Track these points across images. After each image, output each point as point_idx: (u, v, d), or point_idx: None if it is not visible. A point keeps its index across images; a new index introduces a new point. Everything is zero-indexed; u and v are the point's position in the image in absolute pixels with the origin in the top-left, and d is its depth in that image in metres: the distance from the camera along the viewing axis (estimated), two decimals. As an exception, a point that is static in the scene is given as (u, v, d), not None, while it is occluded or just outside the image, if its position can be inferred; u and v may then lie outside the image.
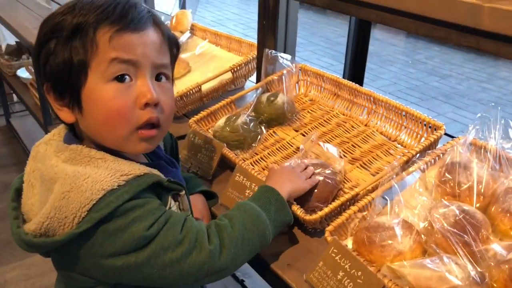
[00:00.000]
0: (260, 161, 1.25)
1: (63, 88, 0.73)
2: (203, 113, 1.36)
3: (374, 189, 1.02)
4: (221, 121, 1.30)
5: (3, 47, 2.92)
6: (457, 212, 0.85)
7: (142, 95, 0.72)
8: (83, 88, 0.71)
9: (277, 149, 1.29)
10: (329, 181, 1.03)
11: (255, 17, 1.59)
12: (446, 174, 0.98)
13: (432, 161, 1.07)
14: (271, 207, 0.85)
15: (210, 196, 1.06)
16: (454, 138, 1.11)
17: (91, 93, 0.71)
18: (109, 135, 0.74)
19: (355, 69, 1.76)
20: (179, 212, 0.80)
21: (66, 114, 0.75)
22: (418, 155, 1.10)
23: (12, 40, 2.88)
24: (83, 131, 0.77)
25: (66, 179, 0.69)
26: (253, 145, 1.28)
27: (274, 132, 1.35)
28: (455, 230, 0.82)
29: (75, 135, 0.79)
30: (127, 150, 0.77)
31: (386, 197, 0.94)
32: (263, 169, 1.20)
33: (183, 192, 0.81)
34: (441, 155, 1.07)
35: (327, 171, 1.04)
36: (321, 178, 1.02)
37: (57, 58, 0.71)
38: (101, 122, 0.73)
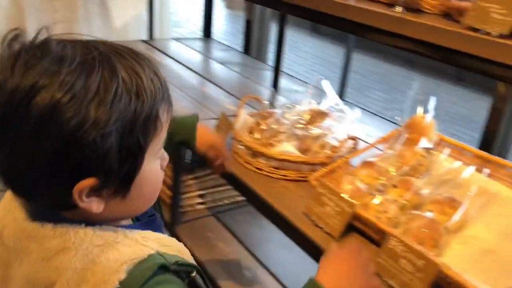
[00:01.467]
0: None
1: (112, 178, 0.61)
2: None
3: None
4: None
5: None
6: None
7: (165, 161, 0.73)
8: (138, 171, 0.64)
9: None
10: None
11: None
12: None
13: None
14: None
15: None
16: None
17: (146, 175, 0.65)
18: (144, 207, 0.72)
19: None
20: None
21: (96, 205, 0.62)
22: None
23: None
24: (88, 213, 0.63)
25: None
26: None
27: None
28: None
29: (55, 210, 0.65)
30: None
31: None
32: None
33: (194, 273, 0.70)
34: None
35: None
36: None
37: (111, 146, 0.59)
38: (148, 199, 0.70)
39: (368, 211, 1.08)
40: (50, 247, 0.62)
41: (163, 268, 0.62)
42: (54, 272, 0.61)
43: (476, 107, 4.55)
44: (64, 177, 0.58)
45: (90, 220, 0.64)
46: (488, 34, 1.01)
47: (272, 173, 1.33)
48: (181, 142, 1.17)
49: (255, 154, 1.33)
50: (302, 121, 1.49)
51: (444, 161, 1.22)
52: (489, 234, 1.07)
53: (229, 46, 2.82)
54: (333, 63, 5.55)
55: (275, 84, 1.80)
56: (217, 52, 2.67)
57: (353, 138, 1.33)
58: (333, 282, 0.73)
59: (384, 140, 1.32)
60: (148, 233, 0.67)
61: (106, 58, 0.60)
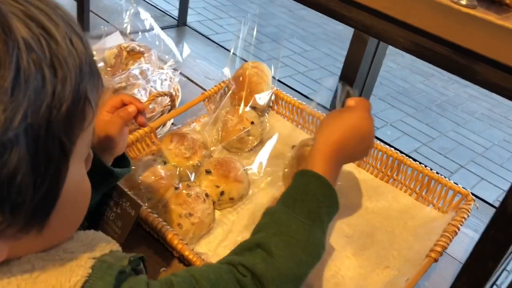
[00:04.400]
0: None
1: (23, 210, 0.37)
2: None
3: None
4: None
5: None
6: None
7: (89, 159, 0.49)
8: (61, 189, 0.40)
9: None
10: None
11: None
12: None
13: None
14: (323, 214, 0.59)
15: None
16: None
17: (71, 189, 0.41)
18: (69, 233, 0.46)
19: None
20: None
21: None
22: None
23: None
24: None
25: None
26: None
27: None
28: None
29: None
30: None
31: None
32: None
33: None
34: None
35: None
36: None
37: (19, 161, 0.35)
38: (74, 222, 0.46)
39: (168, 214, 0.76)
40: None
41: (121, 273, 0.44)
42: None
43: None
44: None
45: None
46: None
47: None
48: None
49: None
50: (102, 66, 1.08)
51: (280, 129, 0.92)
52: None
53: None
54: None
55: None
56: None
57: (167, 94, 0.96)
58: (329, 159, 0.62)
59: (206, 96, 0.97)
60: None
61: None
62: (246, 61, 1.00)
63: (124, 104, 0.70)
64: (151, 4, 1.72)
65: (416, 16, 0.63)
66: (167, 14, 1.67)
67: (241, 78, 0.92)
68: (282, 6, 4.76)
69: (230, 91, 0.92)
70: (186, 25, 1.64)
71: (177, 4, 1.59)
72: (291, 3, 4.68)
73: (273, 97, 0.98)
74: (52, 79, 0.36)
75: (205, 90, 1.27)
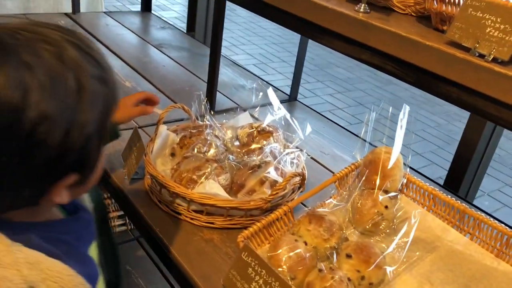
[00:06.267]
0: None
1: (90, 170, 0.60)
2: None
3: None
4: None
5: None
6: None
7: None
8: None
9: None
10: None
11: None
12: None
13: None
14: None
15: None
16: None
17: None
18: (95, 182, 0.65)
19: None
20: None
21: (63, 195, 0.58)
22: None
23: None
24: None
25: None
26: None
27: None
28: None
29: None
30: None
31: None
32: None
33: None
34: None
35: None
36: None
37: (93, 145, 0.57)
38: (99, 174, 0.64)
39: (311, 294, 0.80)
40: None
41: None
42: None
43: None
44: (48, 179, 0.55)
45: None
46: (481, 56, 0.72)
47: (195, 219, 1.02)
48: None
49: (172, 193, 1.02)
50: (237, 144, 1.18)
51: (412, 214, 0.94)
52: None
53: (170, 24, 2.43)
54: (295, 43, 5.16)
55: (211, 80, 1.44)
56: (155, 32, 2.28)
57: (299, 174, 1.03)
58: None
59: (337, 178, 1.03)
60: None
61: (59, 50, 0.52)
62: (375, 146, 1.05)
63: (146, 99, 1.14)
64: (265, 80, 1.86)
65: None
66: (278, 89, 1.79)
67: (374, 162, 0.97)
68: (367, 70, 4.83)
69: (364, 177, 0.97)
70: (296, 99, 1.74)
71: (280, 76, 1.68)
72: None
73: (404, 181, 1.01)
74: (105, 90, 0.55)
75: (322, 165, 1.33)
